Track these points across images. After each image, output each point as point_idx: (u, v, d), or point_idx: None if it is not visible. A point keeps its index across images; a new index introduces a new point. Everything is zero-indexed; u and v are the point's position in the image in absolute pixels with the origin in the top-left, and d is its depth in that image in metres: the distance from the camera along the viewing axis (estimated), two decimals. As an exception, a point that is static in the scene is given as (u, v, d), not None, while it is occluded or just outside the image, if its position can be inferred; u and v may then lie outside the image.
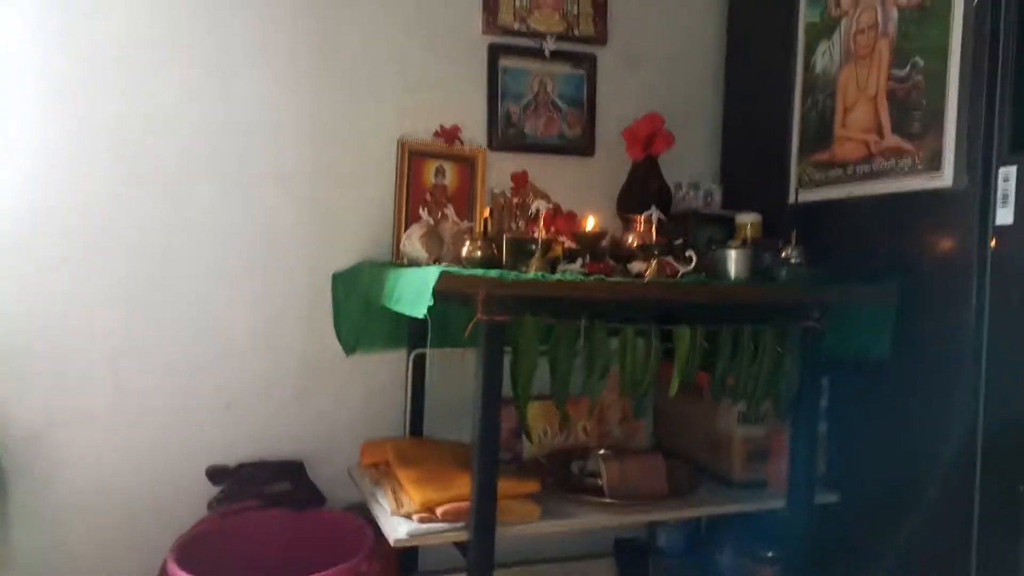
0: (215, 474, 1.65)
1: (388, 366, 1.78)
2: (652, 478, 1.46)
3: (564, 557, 1.87)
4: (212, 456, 1.66)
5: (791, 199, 1.70)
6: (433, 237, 1.48)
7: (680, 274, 1.31)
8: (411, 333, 1.74)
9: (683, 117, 1.96)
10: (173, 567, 1.40)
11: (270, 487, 1.65)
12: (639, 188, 1.80)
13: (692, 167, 1.99)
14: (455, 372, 1.77)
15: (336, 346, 1.74)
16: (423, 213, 1.59)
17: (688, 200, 1.87)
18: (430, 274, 1.13)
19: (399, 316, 1.72)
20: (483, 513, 1.24)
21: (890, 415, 1.47)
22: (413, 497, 1.32)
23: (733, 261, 1.36)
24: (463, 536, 1.26)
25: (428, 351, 1.74)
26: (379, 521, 1.37)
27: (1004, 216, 1.23)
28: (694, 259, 1.31)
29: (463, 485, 1.32)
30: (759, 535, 1.70)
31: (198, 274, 1.66)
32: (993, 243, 1.26)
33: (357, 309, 1.72)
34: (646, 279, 1.28)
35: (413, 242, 1.48)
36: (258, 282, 1.69)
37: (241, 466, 1.67)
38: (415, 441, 1.69)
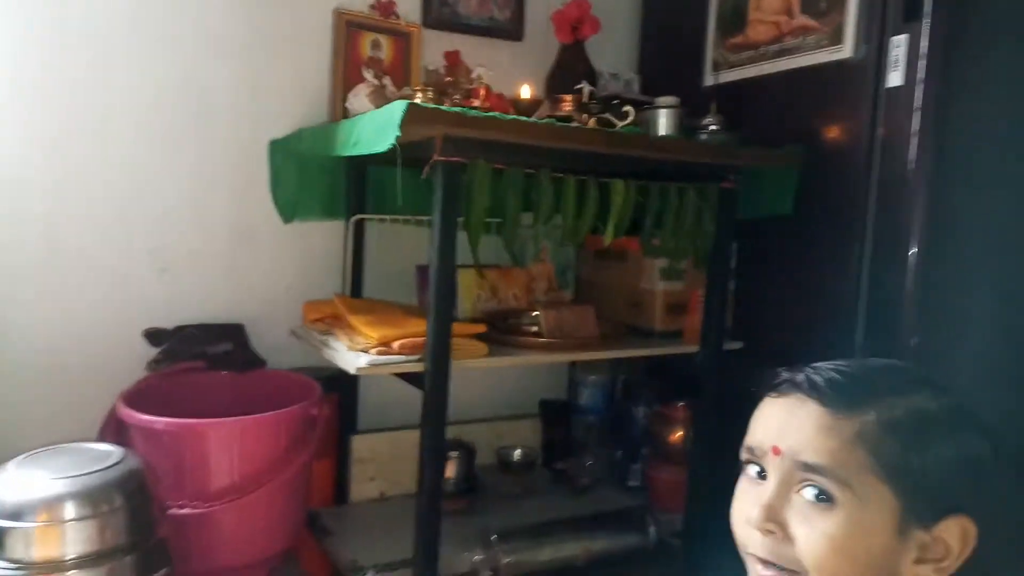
0: (154, 335, 1.66)
1: (326, 234, 1.82)
2: (584, 324, 1.60)
3: (494, 417, 2.01)
4: (149, 319, 1.66)
5: (707, 82, 1.85)
6: (381, 95, 1.53)
7: (619, 127, 1.42)
8: (349, 201, 1.78)
9: (605, 9, 2.06)
10: (122, 408, 1.43)
11: (213, 347, 1.68)
12: (567, 70, 1.89)
13: (612, 59, 2.11)
14: (392, 241, 1.84)
15: (273, 214, 1.76)
16: (368, 75, 1.62)
17: (609, 89, 1.99)
18: (395, 107, 1.19)
19: (336, 185, 1.79)
20: (439, 343, 1.32)
21: (788, 272, 1.67)
22: (369, 334, 1.39)
23: (663, 118, 1.49)
24: (420, 367, 1.35)
25: (367, 218, 1.79)
26: (335, 359, 1.44)
27: (894, 79, 1.42)
28: (631, 112, 1.43)
29: (416, 325, 1.41)
30: (671, 391, 1.89)
31: (130, 137, 1.63)
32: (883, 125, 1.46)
33: (295, 177, 1.74)
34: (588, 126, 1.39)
35: (361, 99, 1.52)
36: (192, 147, 1.68)
37: (181, 328, 1.67)
38: (360, 299, 1.75)
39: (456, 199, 1.31)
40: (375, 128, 1.26)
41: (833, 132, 1.56)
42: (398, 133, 1.17)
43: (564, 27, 1.90)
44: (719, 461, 1.70)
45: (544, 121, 1.32)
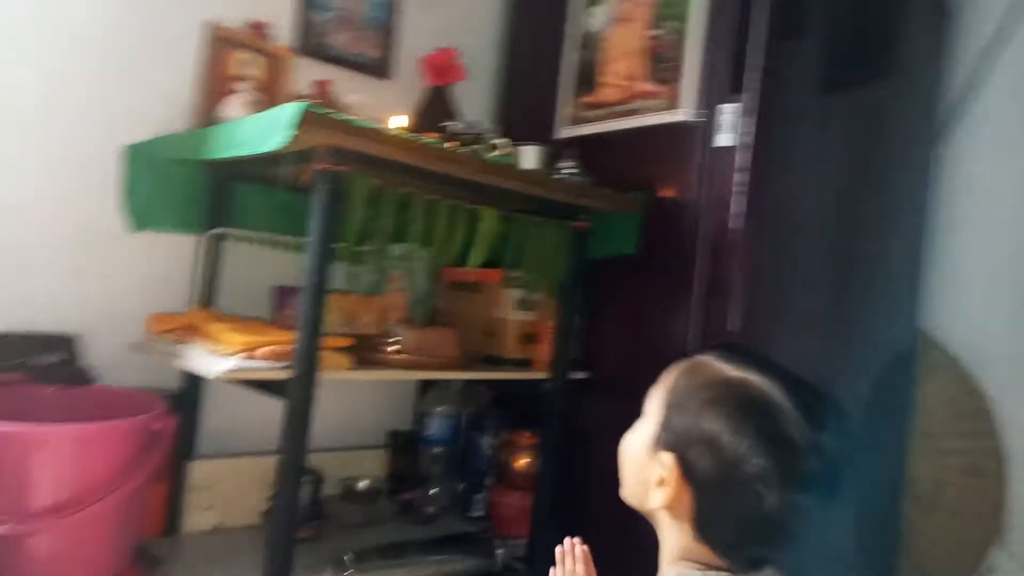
0: (-33, 343, 1.49)
1: (173, 249, 1.74)
2: (445, 345, 1.65)
3: (340, 447, 1.97)
4: (-35, 324, 1.49)
5: (559, 135, 2.02)
6: (258, 107, 1.53)
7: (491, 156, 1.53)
8: (208, 215, 1.73)
9: (467, 59, 2.19)
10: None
11: (35, 359, 1.53)
12: (433, 111, 1.99)
13: (471, 108, 2.23)
14: (247, 260, 1.79)
15: (120, 221, 1.66)
16: (242, 87, 1.61)
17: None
18: (290, 107, 1.20)
19: (194, 197, 1.73)
20: (308, 350, 1.32)
21: (630, 309, 1.83)
22: (233, 341, 1.35)
23: (529, 155, 1.62)
24: (287, 374, 1.33)
25: (226, 233, 1.73)
26: (190, 366, 1.38)
27: (722, 140, 1.65)
28: (503, 143, 1.54)
29: (281, 334, 1.39)
30: (517, 421, 1.97)
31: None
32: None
33: (151, 185, 1.67)
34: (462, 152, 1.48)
35: (237, 108, 1.51)
36: (34, 142, 1.57)
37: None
38: (218, 312, 1.68)
39: (338, 208, 1.34)
40: (263, 128, 1.27)
41: (671, 184, 1.76)
42: (292, 131, 1.19)
43: (432, 71, 2.01)
44: (565, 486, 1.81)
45: (430, 140, 1.39)
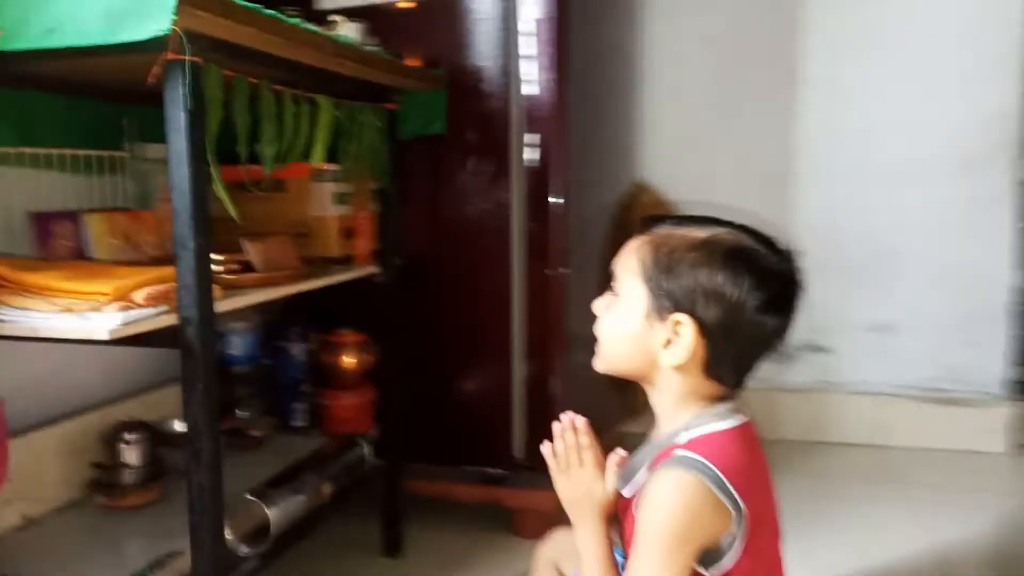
0: None
1: None
2: (288, 255, 1.49)
3: (144, 390, 1.68)
4: None
5: (326, 4, 1.82)
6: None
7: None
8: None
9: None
10: None
11: None
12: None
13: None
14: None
15: None
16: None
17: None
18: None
19: None
20: (203, 283, 1.11)
21: (446, 188, 1.83)
22: (97, 288, 1.06)
23: (352, 32, 1.47)
24: (173, 319, 1.10)
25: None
26: (37, 330, 1.05)
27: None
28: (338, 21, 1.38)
29: (151, 271, 1.14)
30: (326, 322, 1.87)
31: None
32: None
33: None
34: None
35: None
36: None
37: None
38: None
39: (203, 109, 1.10)
40: (111, 7, 0.96)
41: (472, 56, 1.75)
42: (173, 16, 0.93)
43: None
44: (406, 378, 1.81)
45: (294, 21, 1.19)
